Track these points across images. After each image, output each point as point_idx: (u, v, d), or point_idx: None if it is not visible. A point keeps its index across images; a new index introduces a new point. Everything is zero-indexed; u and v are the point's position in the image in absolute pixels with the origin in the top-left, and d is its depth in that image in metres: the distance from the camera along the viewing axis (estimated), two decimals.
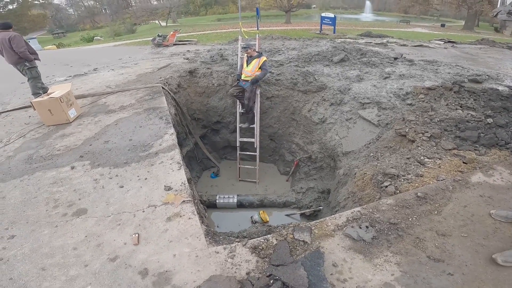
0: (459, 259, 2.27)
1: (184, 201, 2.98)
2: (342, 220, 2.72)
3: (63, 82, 7.90)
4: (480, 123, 4.29)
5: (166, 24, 32.44)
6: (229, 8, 48.61)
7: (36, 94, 6.16)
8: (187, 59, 8.78)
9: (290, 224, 2.83)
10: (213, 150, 7.88)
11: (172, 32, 12.76)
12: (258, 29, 11.65)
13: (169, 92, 6.62)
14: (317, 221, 2.76)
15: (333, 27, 15.24)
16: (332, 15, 15.65)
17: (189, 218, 2.76)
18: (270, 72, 6.87)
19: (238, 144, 7.04)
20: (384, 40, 11.80)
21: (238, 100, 6.88)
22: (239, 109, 6.94)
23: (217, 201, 6.24)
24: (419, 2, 28.32)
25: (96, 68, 8.91)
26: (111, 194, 3.15)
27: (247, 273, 2.20)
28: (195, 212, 2.83)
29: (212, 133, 7.81)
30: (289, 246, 2.42)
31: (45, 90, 6.33)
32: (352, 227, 2.61)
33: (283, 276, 2.06)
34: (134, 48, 13.56)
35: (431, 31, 21.38)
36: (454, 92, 5.30)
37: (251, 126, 6.85)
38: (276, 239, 2.51)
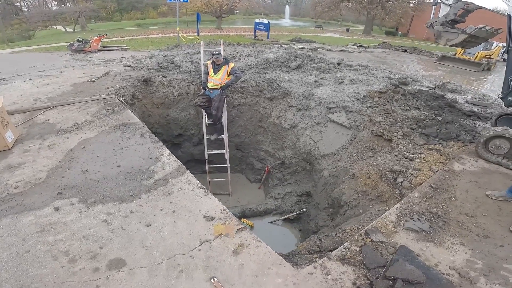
0: (497, 233, 2.78)
1: (238, 229, 2.69)
2: (393, 217, 2.95)
3: None
4: (433, 121, 5.24)
5: (74, 29, 28.01)
6: (149, 14, 44.88)
7: None
8: (129, 66, 7.78)
9: (357, 229, 2.90)
10: None
11: (96, 37, 11.06)
12: (198, 34, 11.18)
13: (126, 104, 5.77)
14: (375, 222, 2.91)
15: (267, 32, 15.95)
16: (266, 21, 16.35)
17: (257, 246, 2.51)
18: (242, 76, 6.69)
19: (206, 157, 6.63)
20: (313, 45, 13.03)
21: (204, 110, 6.50)
22: (205, 120, 6.56)
23: None
24: (331, 8, 32.38)
25: (4, 78, 7.01)
26: (142, 236, 2.58)
27: (353, 284, 2.18)
28: (259, 239, 2.60)
29: (173, 148, 7.13)
30: (373, 249, 2.49)
31: None
32: (407, 221, 2.87)
33: (398, 274, 2.13)
34: (44, 54, 11.20)
35: (341, 35, 24.75)
36: (401, 94, 6.29)
37: (220, 137, 6.56)
38: (356, 245, 2.55)
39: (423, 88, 7.29)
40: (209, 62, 6.16)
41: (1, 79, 6.92)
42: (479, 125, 5.50)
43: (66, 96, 5.85)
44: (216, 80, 6.03)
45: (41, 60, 9.55)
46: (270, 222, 6.16)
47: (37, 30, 30.97)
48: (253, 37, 16.45)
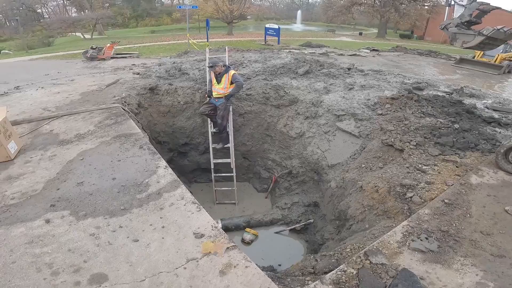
0: None
1: (228, 247, 2.53)
2: (399, 236, 2.71)
3: None
4: (449, 129, 4.90)
5: (92, 36, 29.18)
6: (163, 20, 46.31)
7: None
8: (138, 73, 7.86)
9: (358, 249, 2.68)
10: (181, 174, 7.15)
11: (109, 44, 11.36)
12: (208, 40, 11.25)
13: (130, 113, 5.77)
14: (377, 241, 2.67)
15: (277, 38, 15.92)
16: (276, 26, 16.34)
17: (246, 267, 2.34)
18: (244, 83, 6.59)
19: (212, 166, 6.53)
20: (324, 50, 12.80)
21: (209, 119, 6.43)
22: (211, 129, 6.48)
23: None
24: (342, 12, 32.13)
25: (18, 86, 7.24)
26: (127, 251, 2.48)
27: None
28: (249, 259, 2.43)
29: (179, 157, 7.11)
30: (372, 272, 2.27)
31: None
32: (413, 240, 2.62)
33: None
34: (60, 62, 11.60)
35: (354, 39, 24.39)
36: (415, 100, 5.96)
37: (226, 146, 6.45)
38: (353, 268, 2.33)
39: (439, 93, 6.90)
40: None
41: (15, 87, 7.15)
42: (500, 132, 5.10)
43: (74, 105, 5.93)
44: (220, 89, 5.94)
45: (56, 68, 9.87)
46: (276, 233, 5.96)
47: (57, 36, 32.35)
48: (264, 43, 16.44)
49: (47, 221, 2.86)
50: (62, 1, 40.40)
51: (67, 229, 2.76)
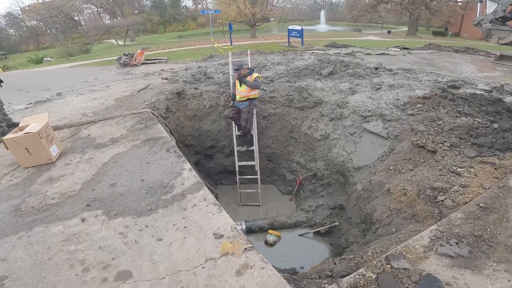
0: None
1: (245, 248, 2.56)
2: (426, 240, 2.58)
3: (23, 110, 6.84)
4: (488, 129, 4.55)
5: (124, 43, 31.04)
6: (189, 25, 48.36)
7: None
8: (166, 79, 8.22)
9: (380, 253, 2.60)
10: (207, 176, 7.35)
11: (139, 51, 12.00)
12: (231, 44, 11.46)
13: (159, 117, 6.04)
14: (401, 246, 2.57)
15: (301, 39, 15.80)
16: (299, 28, 16.24)
17: (262, 268, 2.36)
18: (262, 89, 6.65)
19: (237, 169, 6.64)
20: (350, 50, 12.47)
21: (233, 122, 6.54)
22: (235, 132, 6.59)
23: None
24: (368, 11, 31.04)
25: (60, 93, 7.88)
26: (151, 250, 2.61)
27: None
28: (266, 260, 2.44)
29: (206, 159, 7.31)
30: (393, 277, 2.19)
31: (9, 121, 5.45)
32: (442, 245, 2.48)
33: None
34: (97, 68, 12.47)
35: (382, 38, 23.44)
36: (449, 99, 5.62)
37: (250, 148, 6.52)
38: (373, 272, 2.26)
39: (477, 91, 6.44)
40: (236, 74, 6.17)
41: (57, 94, 7.79)
42: None
43: (109, 110, 6.33)
44: (242, 92, 6.02)
45: (94, 74, 10.61)
46: (300, 235, 5.90)
47: (94, 43, 34.56)
48: (287, 44, 16.37)
49: (83, 220, 3.09)
50: (96, 9, 43.36)
51: (99, 228, 2.96)
